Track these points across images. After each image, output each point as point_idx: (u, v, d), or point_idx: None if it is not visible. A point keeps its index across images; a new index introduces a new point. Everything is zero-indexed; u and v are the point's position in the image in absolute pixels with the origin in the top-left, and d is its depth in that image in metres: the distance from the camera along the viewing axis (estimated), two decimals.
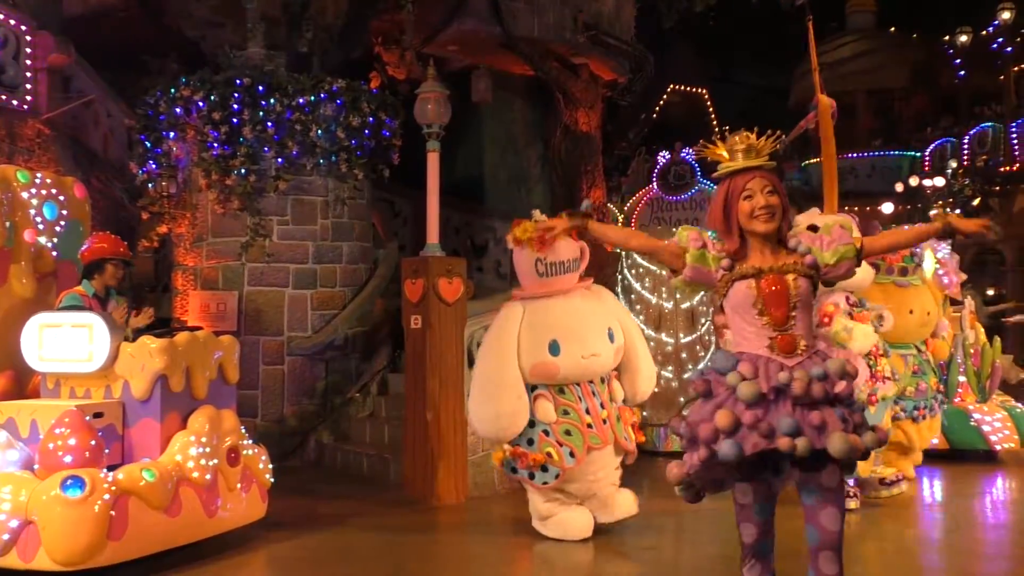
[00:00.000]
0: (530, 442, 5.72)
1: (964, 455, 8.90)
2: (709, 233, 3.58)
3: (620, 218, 16.90)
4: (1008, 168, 19.07)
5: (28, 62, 9.26)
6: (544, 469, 5.71)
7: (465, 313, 7.61)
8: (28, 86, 9.25)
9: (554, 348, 5.67)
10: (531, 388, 5.80)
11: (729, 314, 3.49)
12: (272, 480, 6.25)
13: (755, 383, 3.29)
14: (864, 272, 7.30)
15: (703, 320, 9.49)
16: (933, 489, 8.02)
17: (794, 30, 9.66)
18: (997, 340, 9.41)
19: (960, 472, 8.50)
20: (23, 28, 9.21)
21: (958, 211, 18.91)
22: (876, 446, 3.34)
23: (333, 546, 6.05)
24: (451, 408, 7.37)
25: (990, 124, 19.84)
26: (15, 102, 9.11)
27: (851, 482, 6.55)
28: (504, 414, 5.70)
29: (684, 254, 3.52)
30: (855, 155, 21.21)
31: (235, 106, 8.82)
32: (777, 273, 3.41)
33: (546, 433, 5.69)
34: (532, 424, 5.72)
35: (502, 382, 5.71)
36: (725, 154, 3.55)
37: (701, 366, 3.68)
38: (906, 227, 3.77)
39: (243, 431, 5.99)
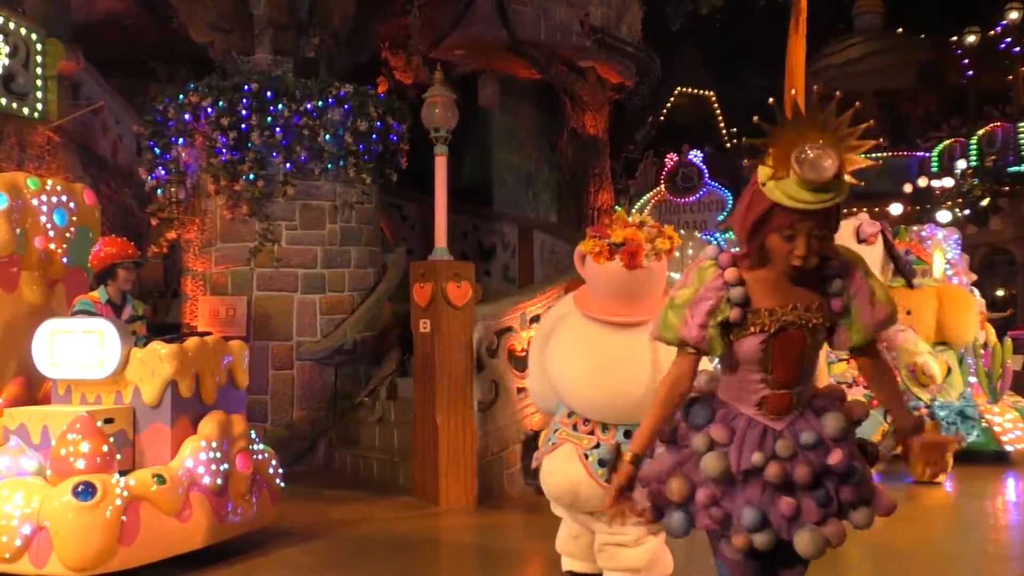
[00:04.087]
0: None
1: (976, 456, 8.87)
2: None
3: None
4: (1017, 168, 19.00)
5: (38, 70, 9.31)
6: None
7: (474, 317, 7.61)
8: (38, 94, 9.29)
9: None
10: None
11: (727, 355, 2.77)
12: (282, 484, 6.26)
13: (723, 458, 2.67)
14: None
15: None
16: (946, 489, 7.99)
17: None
18: (1008, 340, 9.38)
19: (972, 473, 8.47)
20: (32, 36, 9.26)
21: (967, 211, 18.87)
22: (866, 525, 2.74)
23: (343, 550, 6.05)
24: (460, 412, 7.37)
25: (998, 124, 19.77)
26: (25, 110, 9.16)
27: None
28: None
29: (695, 358, 2.75)
30: (862, 156, 21.16)
31: (243, 112, 8.85)
32: (797, 328, 2.66)
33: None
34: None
35: None
36: (785, 169, 2.46)
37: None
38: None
39: (253, 436, 6.00)
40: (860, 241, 7.59)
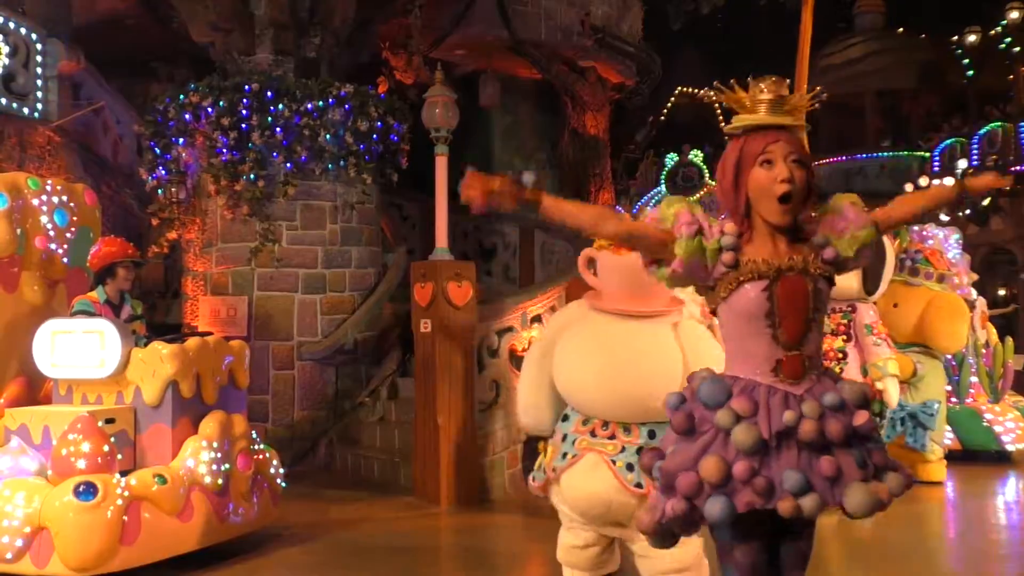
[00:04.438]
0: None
1: (976, 456, 8.87)
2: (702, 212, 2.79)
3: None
4: (1018, 168, 18.98)
5: (38, 70, 9.31)
6: None
7: (475, 317, 7.61)
8: (38, 94, 9.30)
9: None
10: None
11: (727, 323, 2.75)
12: (283, 484, 6.26)
13: (754, 427, 2.58)
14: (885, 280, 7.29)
15: None
16: (945, 490, 7.99)
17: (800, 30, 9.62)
18: (1009, 340, 9.38)
19: (972, 473, 8.47)
20: (33, 36, 9.26)
21: (968, 211, 18.86)
22: (901, 491, 2.67)
23: (344, 550, 6.05)
24: (461, 412, 7.37)
25: (999, 124, 19.77)
26: (25, 110, 9.16)
27: None
28: None
29: (672, 242, 2.71)
30: (864, 156, 21.14)
31: (244, 112, 8.85)
32: (799, 274, 2.66)
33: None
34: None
35: None
36: (746, 103, 2.73)
37: (673, 393, 2.85)
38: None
39: (254, 436, 6.00)
40: None
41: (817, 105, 2.76)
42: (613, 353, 4.19)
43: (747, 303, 2.66)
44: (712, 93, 2.79)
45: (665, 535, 2.75)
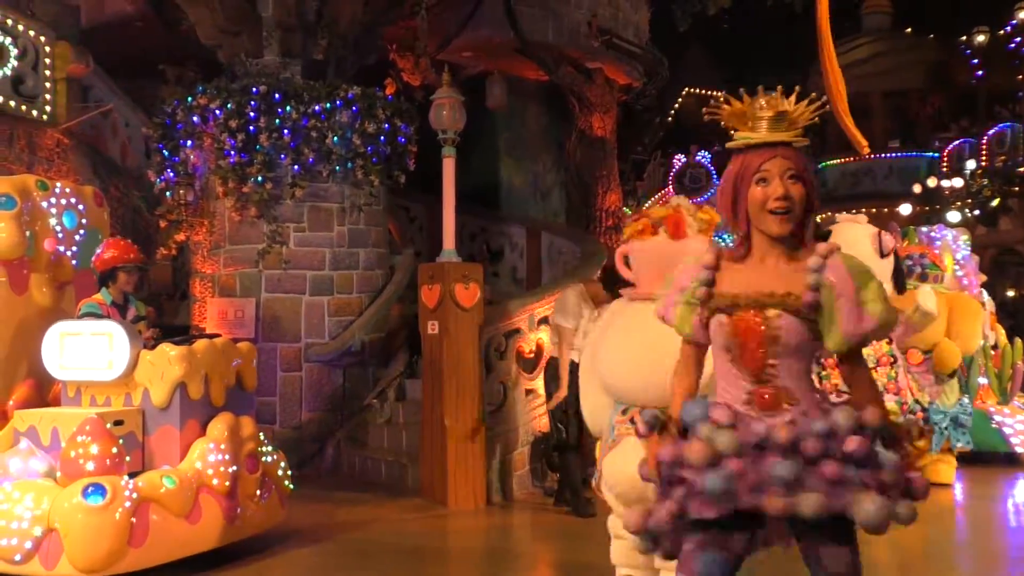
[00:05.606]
0: None
1: (985, 457, 8.83)
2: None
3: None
4: None
5: (47, 72, 9.35)
6: None
7: (482, 319, 7.61)
8: (47, 96, 9.34)
9: None
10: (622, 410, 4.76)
11: (713, 351, 2.76)
12: (291, 486, 6.27)
13: (733, 433, 2.56)
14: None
15: None
16: (954, 491, 7.96)
17: (806, 31, 9.62)
18: (1019, 341, 9.35)
19: (981, 474, 8.44)
20: (42, 39, 9.30)
21: (977, 211, 18.80)
22: (909, 521, 2.50)
23: (352, 551, 6.06)
24: (469, 414, 7.36)
25: (1008, 124, 19.72)
26: (34, 112, 9.20)
27: None
28: None
29: (683, 336, 2.81)
30: (872, 156, 21.11)
31: (251, 114, 8.86)
32: (755, 308, 2.61)
33: None
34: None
35: None
36: (746, 119, 2.73)
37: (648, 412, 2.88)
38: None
39: (262, 438, 6.01)
40: (883, 255, 7.47)
41: (817, 119, 2.72)
42: (645, 335, 4.11)
43: (715, 334, 2.69)
44: (715, 108, 2.78)
45: (654, 542, 2.70)
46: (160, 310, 9.57)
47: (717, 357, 2.72)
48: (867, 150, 7.82)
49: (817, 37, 7.75)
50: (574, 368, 7.18)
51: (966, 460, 8.67)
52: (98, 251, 6.04)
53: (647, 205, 18.05)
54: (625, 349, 4.27)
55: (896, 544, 5.91)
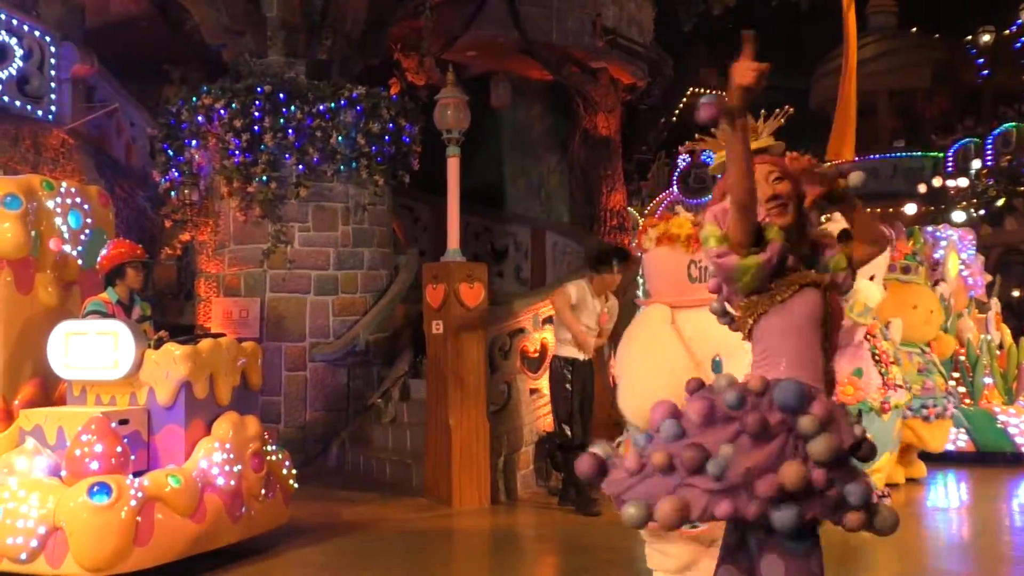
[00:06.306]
0: None
1: (990, 457, 8.82)
2: None
3: (640, 222, 16.87)
4: None
5: (52, 73, 9.38)
6: None
7: (486, 318, 7.61)
8: (52, 96, 9.37)
9: (716, 366, 4.55)
10: None
11: (783, 329, 2.68)
12: (295, 485, 6.28)
13: (834, 438, 2.50)
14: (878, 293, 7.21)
15: None
16: (959, 492, 7.95)
17: (812, 31, 9.61)
18: None
19: (986, 475, 8.43)
20: (47, 39, 9.32)
21: (982, 211, 18.76)
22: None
23: (356, 551, 6.06)
24: (473, 413, 7.37)
25: (1014, 124, 19.66)
26: (40, 112, 9.23)
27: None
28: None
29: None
30: (877, 156, 21.07)
31: (256, 114, 8.88)
32: (830, 288, 2.74)
33: None
34: None
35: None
36: (721, 144, 2.97)
37: (728, 390, 2.62)
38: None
39: (266, 437, 6.02)
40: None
41: (782, 122, 2.98)
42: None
43: (809, 308, 2.67)
44: (694, 146, 3.09)
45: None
46: (164, 310, 9.60)
47: (801, 334, 2.68)
48: (843, 158, 7.79)
49: (844, 40, 7.75)
50: (578, 367, 7.20)
51: (971, 460, 8.66)
52: (104, 251, 6.05)
53: (651, 206, 18.05)
54: (642, 372, 4.34)
55: (900, 542, 5.90)
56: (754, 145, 2.80)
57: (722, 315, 2.96)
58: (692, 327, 4.51)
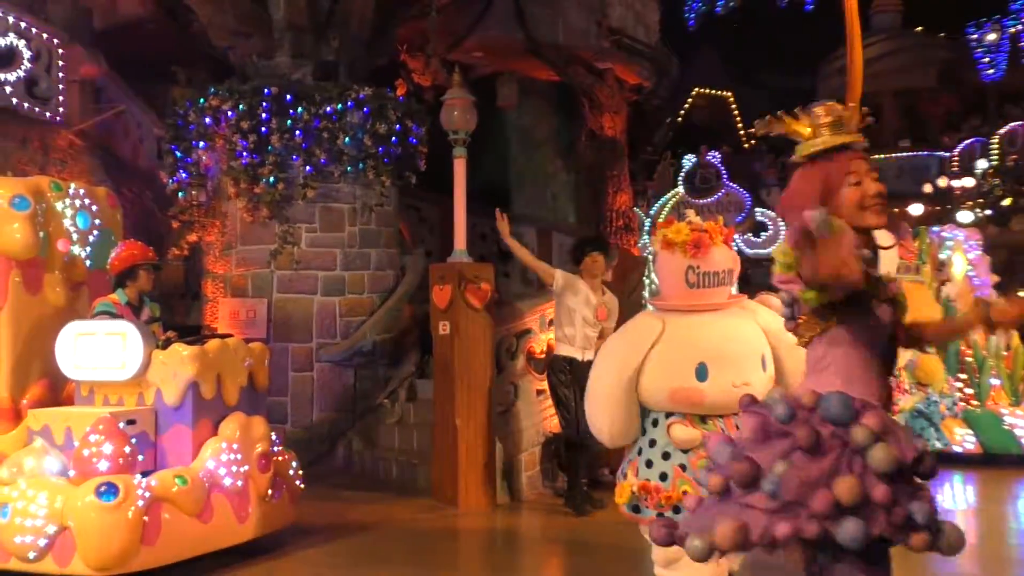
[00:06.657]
0: (663, 477, 4.57)
1: (997, 459, 8.80)
2: None
3: (647, 222, 16.88)
4: None
5: (60, 74, 9.41)
6: (677, 510, 4.43)
7: (493, 319, 7.62)
8: (60, 98, 9.40)
9: (701, 372, 4.51)
10: (667, 415, 4.66)
11: (839, 341, 2.57)
12: (302, 485, 6.29)
13: (892, 447, 2.39)
14: None
15: None
16: (966, 493, 7.93)
17: (817, 30, 9.60)
18: None
19: (993, 476, 8.41)
20: (55, 41, 9.36)
21: (988, 211, 18.71)
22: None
23: (362, 551, 6.08)
24: (480, 414, 7.37)
25: (1020, 123, 19.62)
26: (48, 114, 9.26)
27: None
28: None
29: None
30: (882, 156, 21.04)
31: (263, 115, 8.89)
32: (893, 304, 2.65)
33: (683, 468, 4.51)
34: (666, 456, 4.58)
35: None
36: (807, 130, 2.71)
37: (779, 404, 2.53)
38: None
39: (273, 437, 6.03)
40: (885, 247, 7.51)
41: (870, 121, 2.77)
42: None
43: (873, 323, 2.57)
44: (768, 125, 2.79)
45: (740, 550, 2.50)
46: (171, 310, 9.62)
47: (865, 351, 2.57)
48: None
49: (847, 37, 7.73)
50: (578, 366, 7.18)
51: (978, 462, 8.64)
52: (115, 252, 6.08)
53: (658, 206, 18.03)
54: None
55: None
56: (849, 138, 2.68)
57: (789, 319, 2.80)
58: (679, 332, 4.53)
